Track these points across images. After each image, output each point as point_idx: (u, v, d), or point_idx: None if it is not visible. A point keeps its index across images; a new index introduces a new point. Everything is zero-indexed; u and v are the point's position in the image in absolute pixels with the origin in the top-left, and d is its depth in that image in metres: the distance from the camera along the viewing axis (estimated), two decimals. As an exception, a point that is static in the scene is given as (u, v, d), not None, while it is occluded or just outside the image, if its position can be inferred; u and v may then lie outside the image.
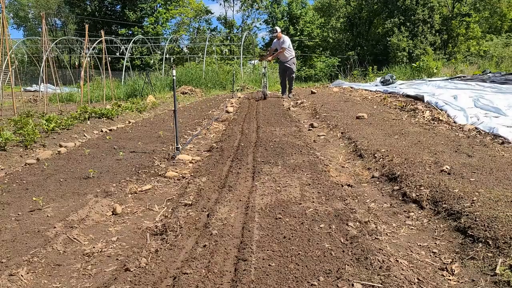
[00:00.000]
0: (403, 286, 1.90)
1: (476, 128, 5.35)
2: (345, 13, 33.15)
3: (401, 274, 2.02)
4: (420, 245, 2.50)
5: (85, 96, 12.61)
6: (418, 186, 3.27)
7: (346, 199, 3.20)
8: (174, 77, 5.21)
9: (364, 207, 3.17)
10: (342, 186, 3.65)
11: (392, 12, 29.07)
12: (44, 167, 4.48)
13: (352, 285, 1.91)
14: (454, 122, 5.94)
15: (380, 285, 1.90)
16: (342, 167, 4.41)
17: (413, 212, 2.99)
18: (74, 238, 2.73)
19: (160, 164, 4.61)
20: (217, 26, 42.71)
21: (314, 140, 5.76)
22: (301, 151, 4.84)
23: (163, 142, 5.84)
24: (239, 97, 13.53)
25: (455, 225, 2.61)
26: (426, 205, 3.01)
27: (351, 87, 12.84)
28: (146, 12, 35.60)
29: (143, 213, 3.29)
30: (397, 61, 25.60)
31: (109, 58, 15.80)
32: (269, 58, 12.07)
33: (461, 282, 2.06)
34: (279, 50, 11.69)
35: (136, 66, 29.37)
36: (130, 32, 33.97)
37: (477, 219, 2.51)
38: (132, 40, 23.45)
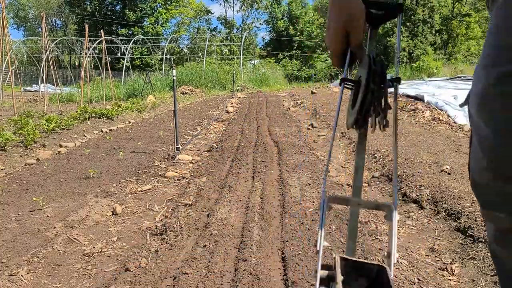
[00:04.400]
0: (403, 286, 1.90)
1: (476, 128, 5.36)
2: (345, 13, 33.13)
3: (401, 274, 2.02)
4: (420, 245, 2.50)
5: (85, 96, 12.61)
6: (418, 186, 3.27)
7: (346, 199, 3.20)
8: (174, 77, 5.22)
9: (364, 207, 3.17)
10: (342, 186, 3.65)
11: (392, 12, 29.03)
12: (44, 167, 4.48)
13: (352, 285, 1.91)
14: (454, 122, 5.94)
15: (380, 285, 1.90)
16: (342, 167, 4.41)
17: (413, 212, 2.99)
18: (74, 238, 2.73)
19: (160, 164, 4.62)
20: (217, 26, 42.73)
21: (314, 140, 5.76)
22: (301, 151, 4.84)
23: (163, 142, 5.84)
24: (239, 97, 13.54)
25: (455, 225, 2.61)
26: (426, 205, 3.01)
27: (351, 87, 12.83)
28: (146, 12, 35.61)
29: (143, 213, 3.29)
30: (397, 61, 25.55)
31: (109, 58, 15.80)
32: None
33: (461, 282, 2.06)
34: None
35: (136, 66, 29.38)
36: (130, 32, 33.97)
37: (477, 219, 2.51)
38: (132, 40, 23.47)
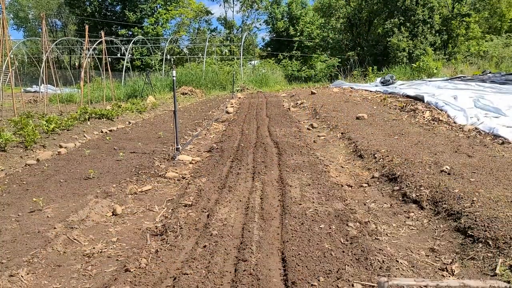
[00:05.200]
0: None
1: (476, 128, 5.36)
2: (345, 14, 33.18)
3: (401, 274, 2.02)
4: (420, 245, 2.50)
5: (85, 96, 12.61)
6: (418, 187, 3.27)
7: (346, 200, 3.20)
8: (174, 78, 5.21)
9: (364, 207, 3.17)
10: (342, 186, 3.65)
11: (392, 12, 29.07)
12: (44, 167, 4.48)
13: (352, 285, 1.91)
14: (454, 123, 5.94)
15: (380, 286, 1.90)
16: (342, 167, 4.41)
17: (413, 212, 2.99)
18: (74, 239, 2.73)
19: (160, 164, 4.62)
20: (217, 27, 42.74)
21: (314, 141, 5.76)
22: (301, 151, 4.84)
23: (163, 142, 5.84)
24: (239, 98, 13.55)
25: (455, 225, 2.61)
26: (426, 205, 3.01)
27: (351, 88, 12.84)
28: (146, 12, 35.62)
29: (143, 214, 3.29)
30: (397, 61, 25.61)
31: (109, 58, 15.81)
32: None
33: (461, 282, 2.06)
34: None
35: (136, 66, 29.36)
36: (130, 32, 33.98)
37: (477, 219, 2.51)
38: (132, 41, 23.48)
